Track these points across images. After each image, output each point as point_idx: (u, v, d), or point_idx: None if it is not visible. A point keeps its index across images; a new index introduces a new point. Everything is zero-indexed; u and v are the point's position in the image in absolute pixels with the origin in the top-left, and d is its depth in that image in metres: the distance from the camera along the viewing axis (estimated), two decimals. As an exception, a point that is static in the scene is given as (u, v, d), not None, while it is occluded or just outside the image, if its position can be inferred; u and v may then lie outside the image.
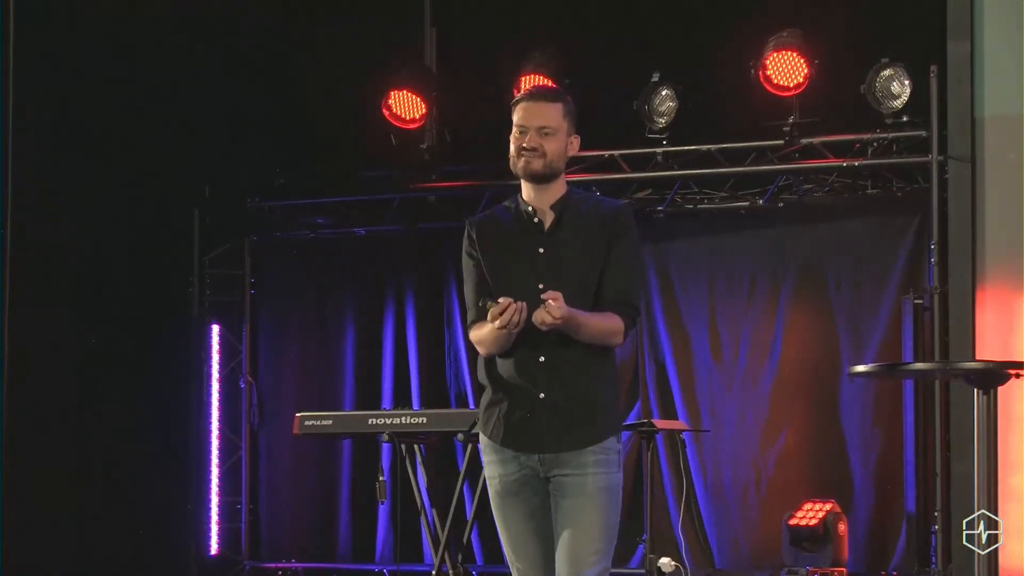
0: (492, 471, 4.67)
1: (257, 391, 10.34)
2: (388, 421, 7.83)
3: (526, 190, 4.72)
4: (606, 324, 4.58)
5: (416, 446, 8.07)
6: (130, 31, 9.28)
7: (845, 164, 8.87)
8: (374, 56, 9.61)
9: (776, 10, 8.74)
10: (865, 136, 8.77)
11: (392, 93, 9.41)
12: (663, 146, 9.04)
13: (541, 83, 4.72)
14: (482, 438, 4.71)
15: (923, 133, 8.51)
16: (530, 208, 4.69)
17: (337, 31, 9.84)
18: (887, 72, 8.53)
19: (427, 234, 9.99)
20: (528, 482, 4.61)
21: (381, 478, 7.80)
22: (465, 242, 4.78)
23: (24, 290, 8.71)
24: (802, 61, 8.54)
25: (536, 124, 4.65)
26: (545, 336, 4.50)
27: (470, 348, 9.82)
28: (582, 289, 4.57)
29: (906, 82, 8.50)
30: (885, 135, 8.70)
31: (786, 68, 8.57)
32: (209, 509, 10.15)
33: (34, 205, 8.84)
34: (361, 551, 10.06)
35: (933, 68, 8.25)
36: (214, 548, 10.16)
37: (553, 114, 4.67)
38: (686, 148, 9.08)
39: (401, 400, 9.83)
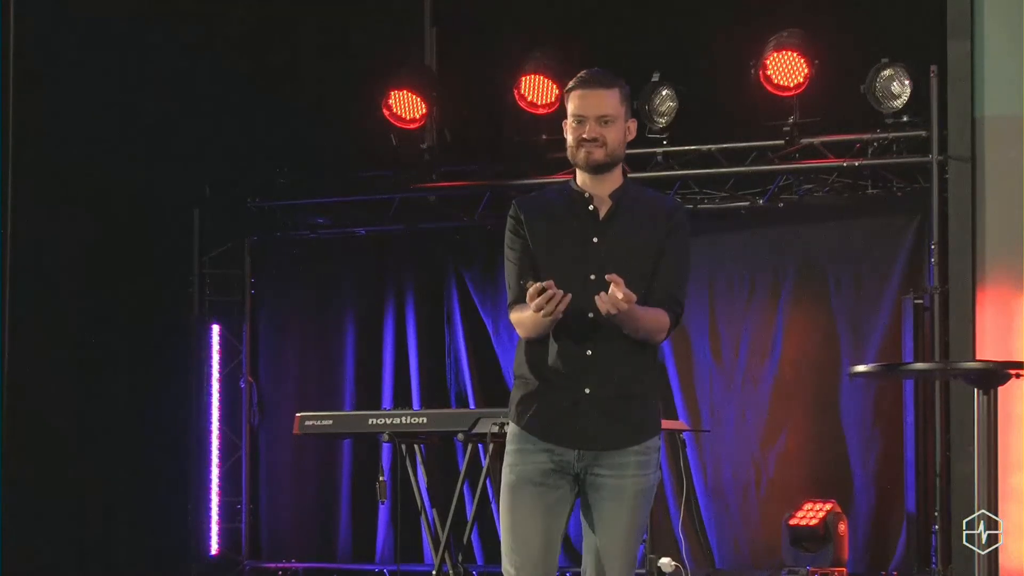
0: (515, 460, 4.47)
1: (257, 391, 10.34)
2: (388, 421, 7.84)
3: (582, 177, 4.57)
4: (657, 320, 4.46)
5: (416, 446, 8.07)
6: (130, 30, 9.28)
7: (845, 164, 8.87)
8: (374, 56, 9.61)
9: (776, 10, 8.74)
10: (865, 136, 8.77)
11: (392, 93, 9.41)
12: (663, 146, 9.05)
13: (595, 69, 4.47)
14: (512, 428, 4.53)
15: (923, 133, 8.52)
16: (586, 195, 4.54)
17: (337, 31, 9.85)
18: (887, 72, 8.53)
19: (427, 234, 9.99)
20: (551, 476, 4.44)
21: (381, 478, 7.81)
22: (510, 221, 4.57)
23: (24, 290, 8.71)
24: (802, 61, 8.54)
25: (595, 113, 4.49)
26: (593, 328, 4.39)
27: (470, 348, 9.85)
28: (634, 283, 4.36)
29: (906, 82, 8.50)
30: (885, 135, 8.70)
31: (786, 68, 8.57)
32: (209, 509, 10.15)
33: (34, 205, 8.84)
34: (361, 551, 10.06)
35: (933, 68, 8.25)
36: (214, 548, 10.16)
37: (611, 101, 4.51)
38: (686, 148, 9.08)
39: (401, 400, 9.83)
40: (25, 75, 8.65)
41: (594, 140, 4.49)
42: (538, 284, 4.25)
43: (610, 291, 4.25)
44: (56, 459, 8.95)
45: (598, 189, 4.54)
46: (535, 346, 4.51)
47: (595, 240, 4.48)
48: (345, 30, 9.83)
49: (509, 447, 4.52)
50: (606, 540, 4.45)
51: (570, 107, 4.56)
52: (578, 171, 4.57)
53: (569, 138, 4.54)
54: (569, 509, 4.51)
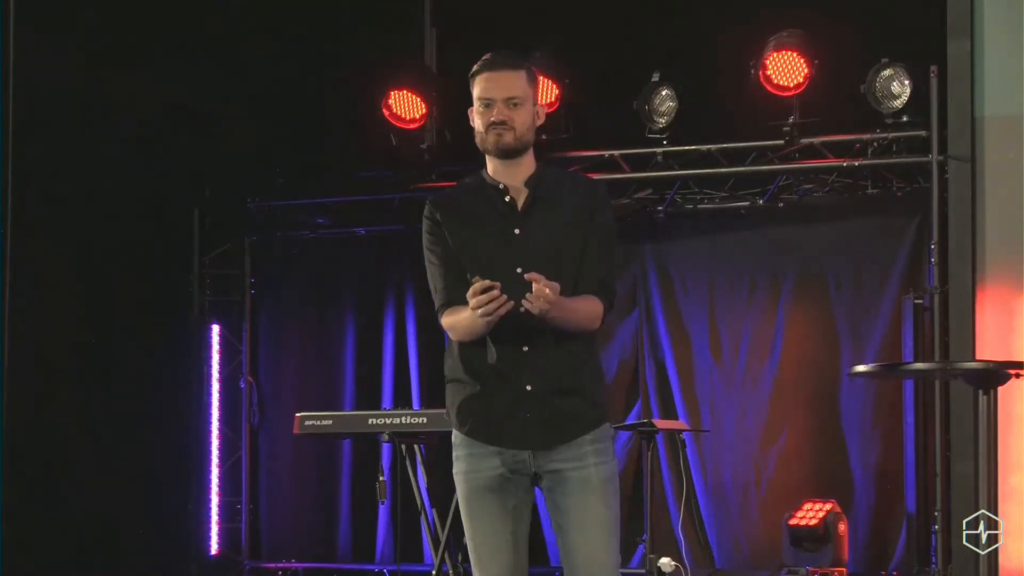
0: (467, 466, 4.34)
1: (257, 391, 10.34)
2: (388, 421, 7.83)
3: (493, 166, 4.42)
4: (588, 308, 4.32)
5: (416, 446, 8.07)
6: (130, 30, 9.28)
7: (845, 164, 8.87)
8: (374, 56, 9.61)
9: (776, 10, 8.74)
10: (865, 136, 8.77)
11: (392, 93, 9.41)
12: (663, 146, 9.04)
13: (501, 50, 4.48)
14: (456, 435, 4.39)
15: (923, 133, 8.52)
16: (500, 186, 4.39)
17: (337, 31, 9.85)
18: (887, 72, 8.53)
19: (427, 234, 9.97)
20: (508, 481, 4.31)
21: (381, 478, 7.80)
22: (426, 223, 4.47)
23: (24, 290, 8.71)
24: (802, 61, 8.54)
25: (502, 96, 4.37)
26: (527, 325, 4.22)
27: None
28: (562, 271, 4.27)
29: (906, 82, 8.50)
30: (885, 135, 8.71)
31: (786, 68, 8.57)
32: (209, 509, 10.15)
33: (34, 206, 8.84)
34: (361, 551, 10.06)
35: (933, 68, 8.25)
36: (214, 548, 10.16)
37: (518, 82, 4.39)
38: (686, 148, 9.08)
39: (401, 400, 9.83)
40: (25, 75, 8.65)
41: (503, 123, 4.36)
42: (484, 282, 4.14)
43: (534, 289, 4.13)
44: (56, 459, 8.95)
45: (512, 178, 4.40)
46: (468, 347, 4.37)
47: (516, 232, 4.35)
48: (345, 30, 9.82)
49: (457, 452, 4.39)
50: (582, 537, 4.29)
51: (476, 91, 4.45)
52: (489, 161, 4.44)
53: (477, 123, 4.43)
54: (530, 510, 4.38)
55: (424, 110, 9.41)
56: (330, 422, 8.08)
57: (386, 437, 7.77)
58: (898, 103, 8.54)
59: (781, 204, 9.26)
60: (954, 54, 8.01)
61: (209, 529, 10.15)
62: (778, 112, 8.74)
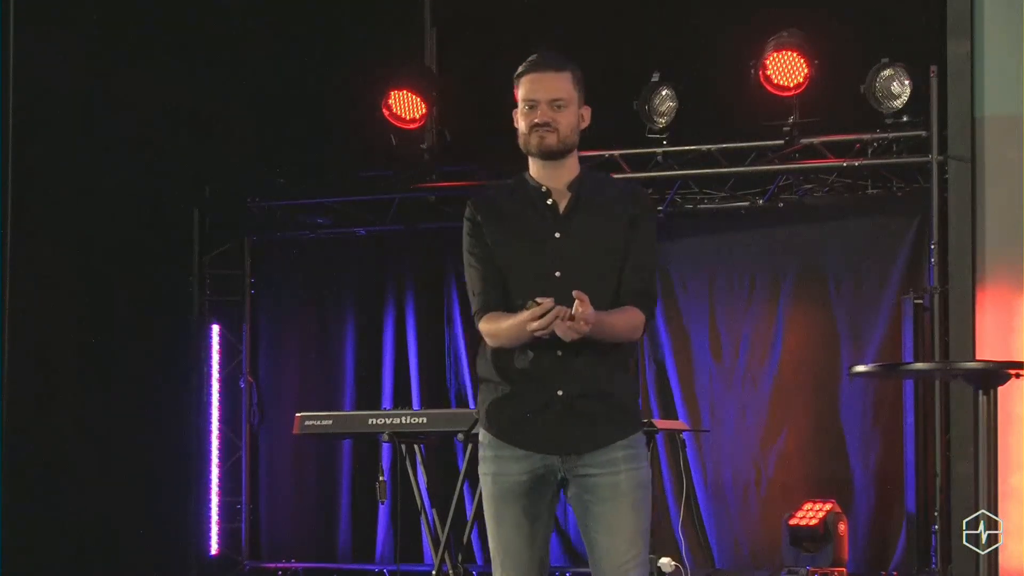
0: (493, 469, 4.31)
1: (257, 391, 10.34)
2: (388, 421, 7.83)
3: (535, 168, 4.39)
4: (629, 321, 4.28)
5: (416, 446, 8.07)
6: (130, 30, 9.28)
7: (845, 164, 8.87)
8: (374, 56, 9.60)
9: (776, 10, 8.74)
10: (865, 136, 8.77)
11: (392, 93, 9.40)
12: (663, 146, 9.04)
13: (547, 51, 4.43)
14: (484, 435, 4.36)
15: (923, 133, 8.51)
16: (543, 188, 4.35)
17: (337, 31, 9.85)
18: (887, 72, 8.53)
19: (427, 234, 9.99)
20: (537, 484, 4.28)
21: (381, 478, 7.80)
22: (467, 224, 4.44)
23: (24, 290, 8.71)
24: (802, 61, 8.54)
25: (547, 97, 4.33)
26: None
27: (470, 348, 9.84)
28: (602, 278, 4.26)
29: (906, 82, 8.50)
30: (885, 135, 8.70)
31: (786, 68, 8.57)
32: (209, 509, 10.15)
33: (34, 206, 8.84)
34: (361, 551, 10.06)
35: (933, 68, 8.25)
36: (214, 548, 10.16)
37: (563, 84, 4.36)
38: (686, 148, 9.07)
39: (401, 400, 9.83)
40: (25, 75, 8.65)
41: (546, 125, 4.32)
42: (543, 305, 4.08)
43: (575, 312, 4.07)
44: (56, 459, 8.94)
45: (555, 181, 4.37)
46: (501, 349, 4.32)
47: (557, 236, 4.31)
48: (345, 30, 9.82)
49: (485, 453, 4.36)
50: (611, 543, 4.25)
51: (520, 92, 4.40)
52: (532, 162, 4.41)
53: (521, 125, 4.38)
54: (553, 514, 4.36)
55: (424, 110, 9.41)
56: (330, 422, 8.08)
57: (386, 437, 7.77)
58: (898, 103, 8.54)
59: (781, 204, 9.26)
60: (954, 54, 8.01)
61: (209, 529, 10.15)
62: (778, 112, 8.74)
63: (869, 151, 8.82)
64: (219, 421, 10.24)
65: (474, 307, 4.42)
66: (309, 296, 10.40)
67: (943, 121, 8.24)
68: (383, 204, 9.94)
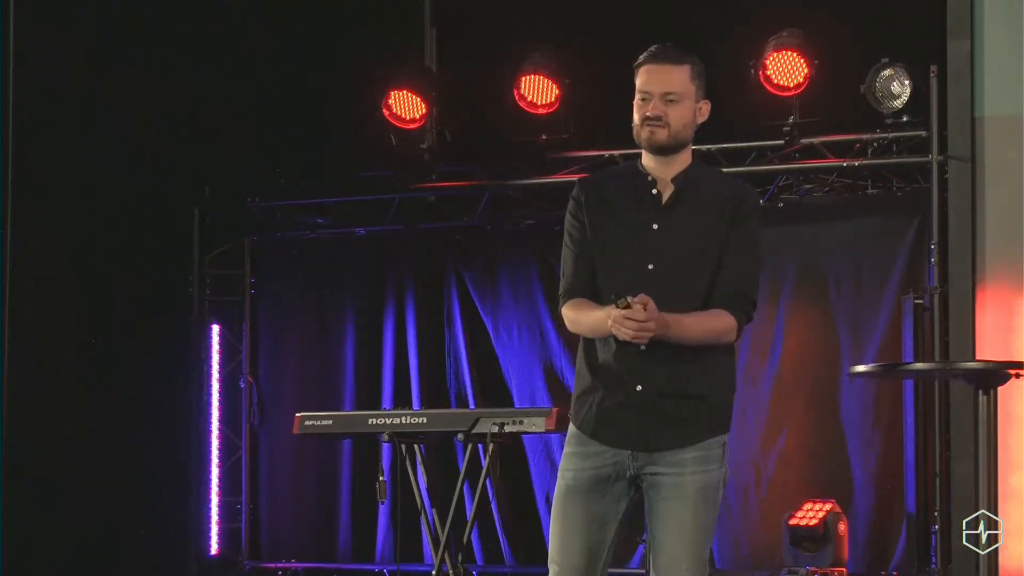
0: (570, 464, 4.29)
1: (257, 391, 10.34)
2: (388, 421, 7.83)
3: (647, 159, 4.33)
4: (712, 325, 4.22)
5: (416, 446, 8.06)
6: (130, 30, 9.28)
7: (845, 164, 8.87)
8: (374, 56, 9.61)
9: (776, 10, 8.74)
10: (865, 136, 8.77)
11: (392, 93, 9.40)
12: (663, 146, 9.03)
13: (668, 44, 4.37)
14: (571, 428, 4.34)
15: (923, 133, 8.51)
16: (650, 177, 4.30)
17: (337, 31, 9.85)
18: (887, 72, 8.53)
19: (427, 234, 9.99)
20: (602, 482, 4.26)
21: (381, 478, 7.80)
22: (571, 203, 4.36)
23: (24, 290, 8.71)
24: (802, 61, 8.54)
25: (660, 90, 4.25)
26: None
27: (470, 348, 9.85)
28: (695, 275, 4.21)
29: (906, 82, 8.49)
30: (885, 135, 8.70)
31: (786, 68, 8.57)
32: (209, 509, 10.15)
33: (34, 206, 8.84)
34: (361, 551, 10.06)
35: (933, 68, 8.25)
36: (214, 548, 10.16)
37: (679, 78, 4.28)
38: (686, 148, 9.06)
39: (401, 400, 9.82)
40: (25, 75, 8.65)
41: (657, 119, 4.26)
42: (631, 305, 4.03)
43: (635, 314, 4.05)
44: (56, 459, 8.95)
45: (664, 172, 4.31)
46: (590, 341, 4.31)
47: (655, 227, 4.26)
48: (345, 30, 9.82)
49: (565, 448, 4.36)
50: (669, 543, 4.23)
51: (637, 83, 4.33)
52: (644, 153, 4.36)
53: (635, 116, 4.33)
54: (621, 514, 4.32)
55: (424, 110, 9.41)
56: (330, 422, 8.07)
57: (386, 437, 7.77)
58: (898, 103, 8.54)
59: (781, 204, 9.25)
60: (954, 54, 8.01)
61: (209, 529, 10.14)
62: (778, 112, 8.74)
63: (869, 151, 8.82)
64: (219, 421, 10.24)
65: (561, 288, 4.38)
66: (309, 296, 10.40)
67: (943, 121, 8.24)
68: (383, 204, 9.94)
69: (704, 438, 4.26)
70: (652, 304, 4.08)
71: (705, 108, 4.37)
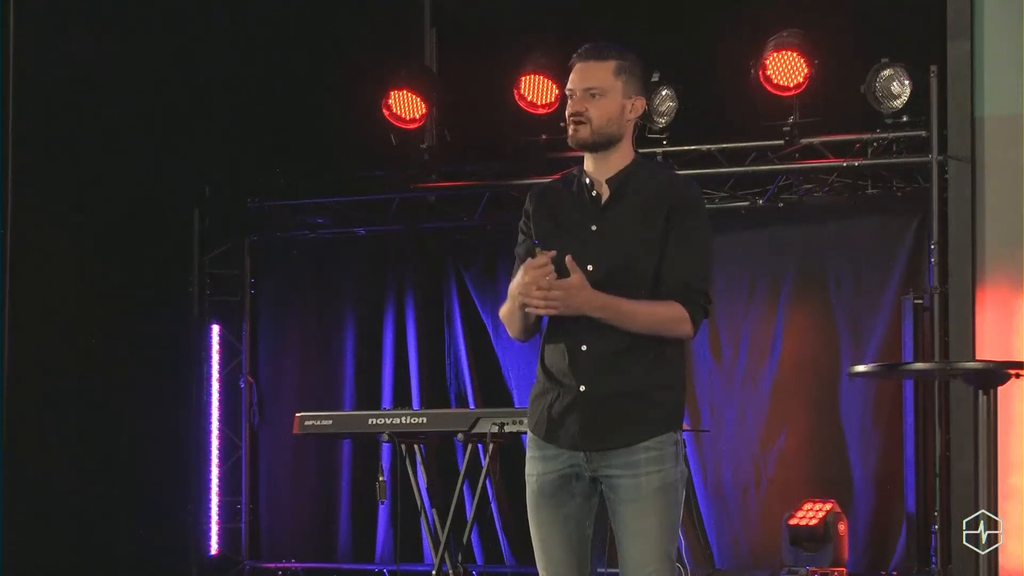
0: (531, 468, 4.29)
1: (257, 391, 10.34)
2: (388, 421, 7.83)
3: (586, 160, 4.29)
4: (659, 311, 4.15)
5: (416, 446, 8.07)
6: (130, 30, 9.28)
7: (845, 164, 8.87)
8: (374, 56, 9.61)
9: (776, 10, 8.74)
10: (865, 136, 8.77)
11: (392, 93, 9.41)
12: (663, 146, 9.04)
13: (599, 41, 4.31)
14: (528, 433, 4.34)
15: (923, 133, 8.51)
16: (588, 180, 4.26)
17: (337, 31, 9.85)
18: (887, 72, 8.53)
19: (427, 234, 9.99)
20: (567, 483, 4.23)
21: (381, 478, 7.80)
22: (523, 214, 4.38)
23: (24, 291, 8.71)
24: (802, 61, 8.54)
25: (581, 86, 4.21)
26: (587, 322, 4.12)
27: (470, 348, 9.85)
28: (637, 272, 4.16)
29: (906, 82, 8.50)
30: (885, 135, 8.70)
31: (786, 68, 8.57)
32: (209, 509, 10.15)
33: (34, 205, 8.84)
34: (361, 551, 10.06)
35: (933, 68, 8.25)
36: (214, 548, 10.16)
37: (601, 74, 4.22)
38: (686, 148, 9.07)
39: (401, 400, 9.82)
40: (25, 75, 8.65)
41: (577, 115, 4.22)
42: (547, 254, 4.02)
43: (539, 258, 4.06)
44: (56, 459, 8.95)
45: (603, 173, 4.28)
46: (545, 345, 4.29)
47: (593, 228, 4.24)
48: (345, 30, 9.82)
49: (527, 452, 4.35)
50: (632, 545, 4.20)
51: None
52: (584, 154, 4.34)
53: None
54: (595, 509, 4.28)
55: (424, 110, 9.41)
56: (330, 422, 8.08)
57: (386, 437, 7.78)
58: (898, 103, 8.54)
59: (781, 204, 9.25)
60: (954, 54, 8.01)
61: (209, 529, 10.14)
62: (778, 112, 8.74)
63: (869, 151, 8.82)
64: (219, 421, 10.24)
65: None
66: (309, 296, 10.40)
67: (943, 121, 8.24)
68: (383, 204, 9.94)
69: (653, 436, 4.20)
70: (580, 279, 4.06)
71: (639, 104, 4.29)
